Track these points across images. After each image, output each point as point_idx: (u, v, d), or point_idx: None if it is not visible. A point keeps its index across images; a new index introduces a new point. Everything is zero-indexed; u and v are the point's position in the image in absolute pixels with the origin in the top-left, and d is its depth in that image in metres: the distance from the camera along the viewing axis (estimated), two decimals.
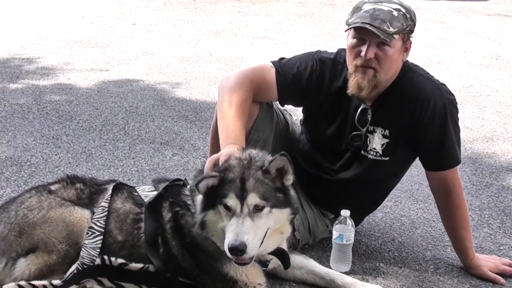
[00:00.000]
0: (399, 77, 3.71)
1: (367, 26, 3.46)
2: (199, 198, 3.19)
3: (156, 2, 13.59)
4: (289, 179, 3.17)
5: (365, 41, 3.53)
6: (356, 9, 3.59)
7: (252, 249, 2.97)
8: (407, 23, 3.53)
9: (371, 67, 3.54)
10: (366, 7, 3.54)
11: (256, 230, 3.01)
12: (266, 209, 3.05)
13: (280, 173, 3.15)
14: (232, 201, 3.02)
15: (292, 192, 3.20)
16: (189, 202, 3.34)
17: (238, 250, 2.92)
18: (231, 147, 3.33)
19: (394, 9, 3.52)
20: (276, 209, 3.10)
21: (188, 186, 3.44)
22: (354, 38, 3.58)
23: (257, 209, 3.02)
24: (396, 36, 3.48)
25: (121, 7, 12.95)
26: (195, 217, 3.21)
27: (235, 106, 3.61)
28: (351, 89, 3.61)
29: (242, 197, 3.01)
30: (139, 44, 9.79)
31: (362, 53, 3.53)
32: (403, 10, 3.54)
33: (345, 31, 3.63)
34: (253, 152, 3.25)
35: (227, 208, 3.03)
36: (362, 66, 3.55)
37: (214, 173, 3.13)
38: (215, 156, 3.28)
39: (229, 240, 2.94)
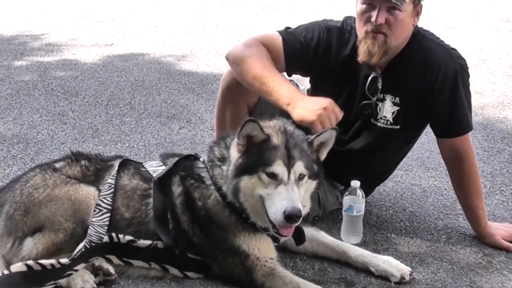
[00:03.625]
0: (409, 43, 3.65)
1: None
2: (232, 162, 3.14)
3: None
4: (325, 153, 3.25)
5: (375, 7, 3.46)
6: None
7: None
8: None
9: (381, 32, 3.48)
10: None
11: (300, 198, 3.03)
12: (305, 179, 3.08)
13: (319, 147, 3.20)
14: (279, 168, 3.00)
15: (321, 166, 3.24)
16: (203, 174, 3.30)
17: (297, 216, 2.93)
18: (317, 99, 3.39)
19: None
20: (310, 180, 3.13)
21: (201, 159, 3.39)
22: (363, 3, 3.52)
23: (300, 177, 3.04)
24: (407, 0, 3.40)
25: None
26: (227, 183, 3.15)
27: (271, 66, 3.57)
28: (361, 56, 3.55)
29: (289, 165, 3.01)
30: (144, 17, 9.73)
31: (373, 19, 3.46)
32: None
33: None
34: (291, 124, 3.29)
35: (272, 176, 3.00)
36: (373, 32, 3.49)
37: (263, 128, 3.10)
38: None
39: (285, 207, 2.92)
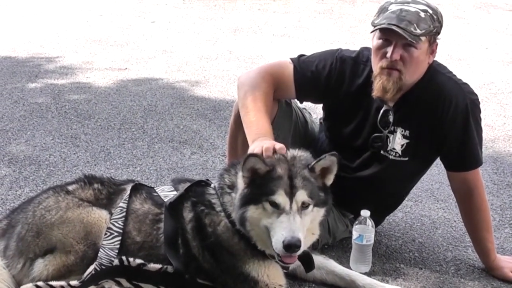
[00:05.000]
0: (421, 77, 3.66)
1: (393, 27, 3.41)
2: (239, 192, 3.15)
3: (175, 0, 13.57)
4: (331, 179, 3.21)
5: (391, 43, 3.49)
6: (382, 9, 3.55)
7: (304, 246, 2.99)
8: (434, 25, 3.49)
9: (396, 69, 3.50)
10: (393, 7, 3.50)
11: (303, 227, 3.02)
12: (310, 207, 3.06)
13: (323, 173, 3.17)
14: (281, 198, 3.00)
15: (330, 192, 3.22)
16: (214, 201, 3.32)
17: (296, 246, 2.92)
18: (266, 139, 3.32)
19: (421, 10, 3.47)
20: (316, 208, 3.11)
21: (212, 186, 3.41)
22: (379, 39, 3.55)
23: (304, 206, 3.03)
24: (422, 38, 3.44)
25: (140, 5, 12.92)
26: (234, 212, 3.17)
27: (260, 101, 3.61)
28: (376, 91, 3.57)
29: (291, 194, 3.01)
30: (158, 42, 9.78)
31: (388, 55, 3.49)
32: (430, 12, 3.50)
33: (371, 32, 3.59)
34: (294, 150, 3.28)
35: (275, 205, 3.01)
36: (388, 68, 3.51)
37: (265, 161, 3.10)
38: (256, 150, 3.24)
39: (284, 237, 2.93)
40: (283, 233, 2.94)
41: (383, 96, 3.56)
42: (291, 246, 2.91)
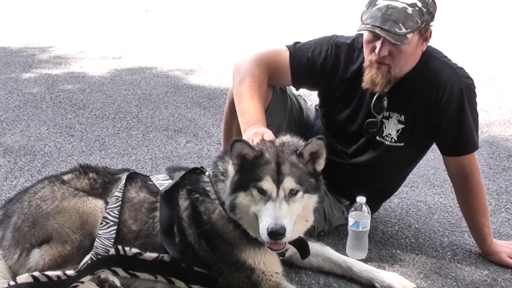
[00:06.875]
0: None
1: (376, 30, 3.38)
2: (229, 178, 3.15)
3: None
4: (321, 164, 3.18)
5: (380, 37, 3.45)
6: (371, 3, 3.51)
7: (289, 233, 2.96)
8: (423, 19, 3.42)
9: (385, 63, 3.49)
10: (380, 3, 3.44)
11: (291, 214, 3.00)
12: (300, 194, 3.05)
13: (313, 158, 3.14)
14: (268, 184, 2.99)
15: (321, 178, 3.19)
16: (208, 188, 3.31)
17: (279, 233, 2.90)
18: (258, 127, 3.32)
19: (409, 4, 3.39)
20: (307, 194, 3.09)
21: (207, 173, 3.40)
22: (369, 33, 3.52)
23: (292, 193, 3.02)
24: (409, 36, 3.39)
25: None
26: (225, 198, 3.16)
27: (254, 88, 3.60)
28: (365, 83, 3.56)
29: (278, 181, 3.00)
30: (152, 31, 9.77)
31: (376, 50, 3.46)
32: (419, 5, 3.42)
33: (357, 31, 3.55)
34: (285, 136, 3.26)
35: (262, 192, 3.00)
36: (377, 62, 3.50)
37: (252, 146, 3.10)
38: (249, 137, 3.25)
39: (268, 224, 2.92)
40: (267, 220, 2.93)
41: (373, 88, 3.56)
42: (273, 233, 2.90)
